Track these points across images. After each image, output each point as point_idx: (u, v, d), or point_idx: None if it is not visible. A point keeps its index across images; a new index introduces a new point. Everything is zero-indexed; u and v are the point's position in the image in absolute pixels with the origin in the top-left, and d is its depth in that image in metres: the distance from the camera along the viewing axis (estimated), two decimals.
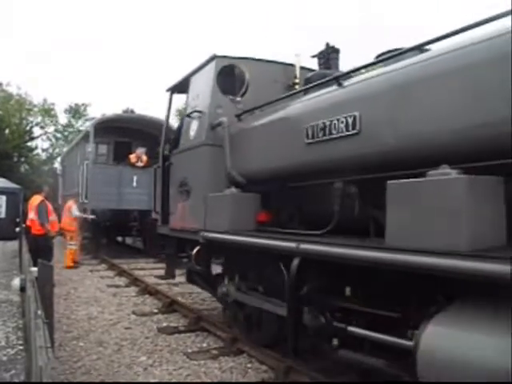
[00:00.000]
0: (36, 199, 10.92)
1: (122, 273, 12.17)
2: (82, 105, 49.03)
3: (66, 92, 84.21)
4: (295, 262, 4.36)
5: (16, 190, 21.48)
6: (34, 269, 5.44)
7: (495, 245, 3.06)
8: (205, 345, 6.31)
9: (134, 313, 7.96)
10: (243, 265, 5.80)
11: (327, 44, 6.62)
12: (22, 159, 45.05)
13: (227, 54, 6.73)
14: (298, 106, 5.18)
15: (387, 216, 3.53)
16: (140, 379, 5.07)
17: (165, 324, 7.29)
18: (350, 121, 4.23)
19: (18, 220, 17.52)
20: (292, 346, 4.52)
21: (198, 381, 5.04)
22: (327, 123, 4.49)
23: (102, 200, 14.75)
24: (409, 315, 3.37)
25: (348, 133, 4.25)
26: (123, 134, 16.78)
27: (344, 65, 6.12)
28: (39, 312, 3.69)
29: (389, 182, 3.53)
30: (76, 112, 48.79)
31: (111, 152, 17.32)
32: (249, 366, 5.50)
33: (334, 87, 4.66)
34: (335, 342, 4.09)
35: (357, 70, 4.77)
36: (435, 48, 3.87)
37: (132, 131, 16.70)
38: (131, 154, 15.99)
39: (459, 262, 2.84)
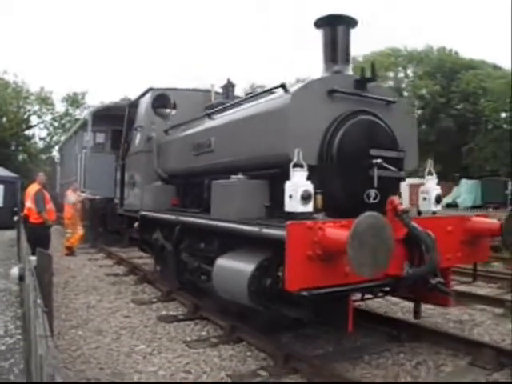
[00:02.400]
0: (33, 188, 10.86)
1: (120, 261, 12.17)
2: (80, 93, 48.76)
3: (63, 80, 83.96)
4: (177, 228, 7.36)
5: (13, 179, 21.38)
6: (33, 257, 5.42)
7: (257, 217, 5.34)
8: (204, 333, 6.32)
9: (132, 301, 7.96)
10: (161, 230, 8.39)
11: (228, 80, 9.28)
12: (20, 148, 44.90)
13: (160, 86, 9.55)
14: (191, 129, 7.75)
15: (211, 200, 6.20)
16: (139, 367, 5.08)
17: (164, 312, 7.30)
18: (209, 142, 6.83)
19: (15, 209, 17.46)
20: (176, 279, 7.94)
21: (200, 370, 5.05)
22: (201, 142, 7.12)
23: (100, 188, 14.68)
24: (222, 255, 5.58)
25: (208, 150, 6.88)
26: (121, 122, 16.64)
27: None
28: (38, 301, 3.67)
29: (213, 181, 6.25)
30: (74, 101, 48.52)
31: (109, 140, 17.19)
32: (248, 353, 5.51)
33: (206, 119, 7.32)
34: (203, 277, 6.68)
35: (230, 106, 7.01)
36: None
37: None
38: None
39: (230, 225, 5.42)
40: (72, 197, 14.15)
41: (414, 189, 36.39)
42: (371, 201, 5.19)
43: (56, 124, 48.74)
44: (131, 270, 10.86)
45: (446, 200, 33.15)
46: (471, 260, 5.87)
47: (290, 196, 4.61)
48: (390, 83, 50.39)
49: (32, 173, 27.92)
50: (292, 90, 5.36)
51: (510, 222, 5.30)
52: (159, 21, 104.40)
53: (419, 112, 48.67)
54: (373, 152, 5.23)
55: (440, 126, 43.76)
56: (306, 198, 4.57)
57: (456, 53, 49.36)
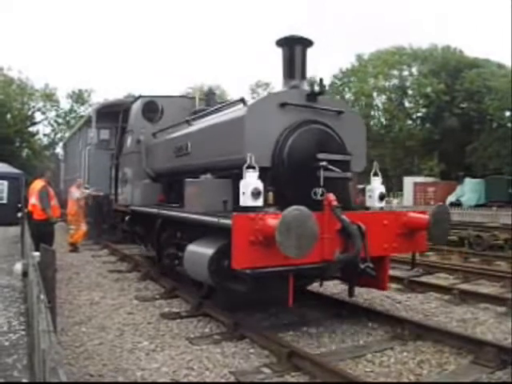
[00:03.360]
0: (37, 184, 10.86)
1: (124, 258, 12.18)
2: (86, 91, 48.83)
3: (68, 77, 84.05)
4: (159, 220, 8.40)
5: (18, 175, 21.38)
6: (36, 253, 5.43)
7: (220, 210, 6.12)
8: (207, 330, 6.32)
9: (136, 298, 7.98)
10: (148, 223, 9.21)
11: (210, 88, 11.03)
12: (24, 144, 44.99)
13: (149, 94, 10.81)
14: (174, 133, 8.74)
15: (185, 196, 7.17)
16: (142, 364, 5.09)
17: (167, 309, 7.31)
18: (187, 146, 7.81)
19: (19, 205, 17.47)
20: (159, 267, 9.37)
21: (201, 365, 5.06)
22: (180, 145, 8.07)
23: (104, 185, 14.66)
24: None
25: (185, 152, 7.85)
26: (125, 119, 16.56)
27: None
28: (42, 296, 3.67)
29: (186, 180, 7.23)
30: (79, 98, 48.58)
31: (113, 137, 17.14)
32: (251, 351, 5.52)
33: (185, 125, 8.29)
34: (176, 262, 7.93)
35: (205, 115, 8.01)
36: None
37: None
38: None
39: (197, 217, 6.38)
40: (76, 193, 14.15)
41: (418, 187, 36.27)
42: (318, 197, 5.96)
43: (60, 121, 48.84)
44: (134, 266, 10.87)
45: (450, 199, 33.09)
46: (409, 250, 6.72)
47: (243, 193, 5.52)
48: (395, 81, 50.35)
49: (36, 169, 27.95)
50: (249, 103, 6.37)
51: (434, 218, 6.06)
52: (165, 18, 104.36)
53: (424, 110, 48.62)
54: (320, 156, 6.09)
55: (444, 125, 43.66)
56: (255, 194, 5.47)
57: (460, 51, 49.24)
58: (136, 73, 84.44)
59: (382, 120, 52.58)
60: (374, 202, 6.70)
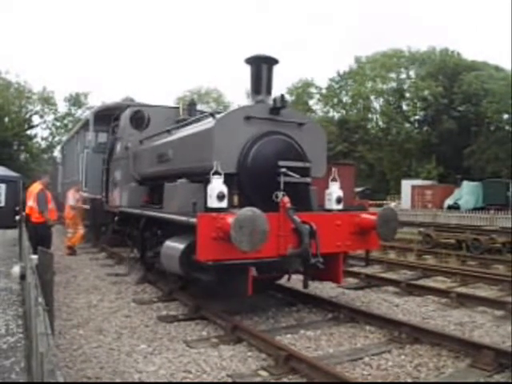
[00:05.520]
0: (35, 187, 10.87)
1: (121, 261, 12.16)
2: (82, 94, 48.84)
3: (66, 81, 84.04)
4: (142, 220, 9.04)
5: (15, 179, 21.28)
6: (34, 256, 5.42)
7: (189, 211, 6.43)
8: (204, 333, 6.33)
9: (133, 301, 7.97)
10: (134, 222, 9.94)
11: (191, 99, 11.32)
12: (22, 147, 44.96)
13: (138, 103, 11.91)
14: (157, 141, 9.36)
15: (164, 197, 8.05)
16: (140, 367, 5.09)
17: (164, 312, 7.31)
18: (167, 153, 8.42)
19: (17, 208, 17.42)
20: (144, 264, 10.03)
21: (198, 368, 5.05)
22: (162, 152, 8.70)
23: (99, 188, 14.62)
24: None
25: (167, 158, 8.45)
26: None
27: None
28: (40, 299, 3.67)
29: (165, 184, 8.08)
30: (76, 101, 48.59)
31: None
32: (249, 354, 5.52)
33: (167, 134, 8.95)
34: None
35: (184, 125, 8.61)
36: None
37: None
38: None
39: (171, 216, 7.08)
40: (72, 198, 14.10)
41: (416, 190, 36.22)
42: (279, 200, 6.40)
43: (58, 124, 48.82)
44: (132, 269, 10.83)
45: (448, 202, 33.08)
46: (362, 247, 7.43)
47: (210, 195, 6.21)
48: (393, 84, 50.44)
49: (34, 172, 27.89)
50: (217, 116, 7.01)
51: (381, 218, 6.71)
52: (163, 21, 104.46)
53: (421, 113, 48.69)
54: (281, 163, 6.74)
55: (442, 128, 43.72)
56: (220, 197, 6.15)
57: (458, 54, 49.37)
58: (134, 75, 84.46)
59: (380, 123, 52.68)
60: (331, 204, 7.33)
